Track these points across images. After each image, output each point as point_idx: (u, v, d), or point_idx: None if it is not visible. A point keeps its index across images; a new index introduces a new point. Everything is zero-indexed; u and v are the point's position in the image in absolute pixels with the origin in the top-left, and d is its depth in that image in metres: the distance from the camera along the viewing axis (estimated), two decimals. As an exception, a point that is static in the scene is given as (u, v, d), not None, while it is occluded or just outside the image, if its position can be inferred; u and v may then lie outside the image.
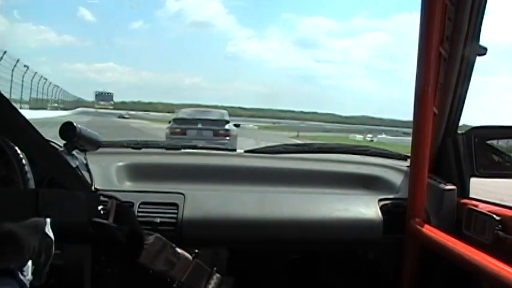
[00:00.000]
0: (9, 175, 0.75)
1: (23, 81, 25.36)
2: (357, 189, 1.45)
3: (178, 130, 9.44)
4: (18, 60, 23.28)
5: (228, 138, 9.22)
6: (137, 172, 1.40)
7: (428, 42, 1.17)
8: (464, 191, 1.27)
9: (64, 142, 1.11)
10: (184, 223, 1.21)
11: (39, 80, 30.28)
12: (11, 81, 22.77)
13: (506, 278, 0.86)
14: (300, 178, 1.47)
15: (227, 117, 10.02)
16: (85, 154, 1.23)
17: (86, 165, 1.22)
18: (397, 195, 1.37)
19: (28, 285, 0.69)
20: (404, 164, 1.53)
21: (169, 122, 10.24)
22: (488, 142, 1.29)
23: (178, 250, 1.10)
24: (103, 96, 65.22)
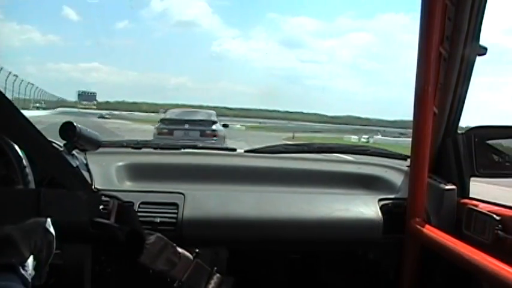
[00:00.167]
0: (9, 175, 0.75)
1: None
2: (357, 189, 1.45)
3: (165, 130, 9.49)
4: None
5: (215, 138, 9.24)
6: (137, 172, 1.40)
7: (428, 42, 1.17)
8: (464, 191, 1.27)
9: (64, 142, 1.11)
10: (184, 223, 1.21)
11: (15, 80, 30.16)
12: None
13: (506, 278, 0.86)
14: (300, 178, 1.47)
15: (214, 118, 10.06)
16: (85, 154, 1.23)
17: (86, 165, 1.22)
18: (397, 195, 1.37)
19: (30, 280, 0.69)
20: (404, 164, 1.53)
21: (158, 123, 10.32)
22: (488, 142, 1.29)
23: (179, 250, 1.10)
24: (86, 96, 63.82)
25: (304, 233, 1.28)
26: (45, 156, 0.76)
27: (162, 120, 10.10)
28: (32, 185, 0.76)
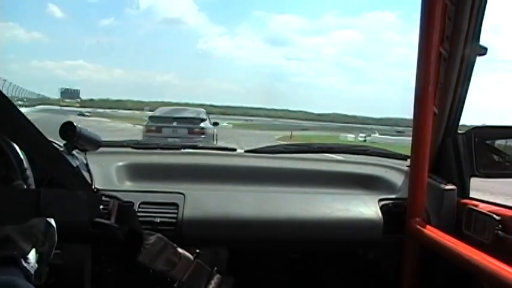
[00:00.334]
0: (9, 175, 0.75)
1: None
2: (357, 189, 1.45)
3: (153, 128, 9.55)
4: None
5: (203, 136, 9.28)
6: (137, 172, 1.40)
7: (428, 42, 1.17)
8: (464, 191, 1.27)
9: (64, 142, 1.11)
10: (184, 223, 1.21)
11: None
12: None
13: (506, 278, 0.86)
14: (300, 178, 1.47)
15: (203, 116, 10.12)
16: (85, 154, 1.23)
17: (86, 165, 1.22)
18: (397, 195, 1.37)
19: (32, 273, 0.69)
20: (404, 164, 1.53)
21: (146, 121, 10.37)
22: (488, 142, 1.29)
23: (180, 250, 1.10)
24: (69, 94, 61.59)
25: (304, 233, 1.28)
26: (45, 156, 0.76)
27: (151, 118, 10.19)
28: (32, 185, 0.76)
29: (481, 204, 1.16)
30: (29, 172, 0.77)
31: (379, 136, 23.79)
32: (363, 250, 1.47)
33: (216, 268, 1.17)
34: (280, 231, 1.27)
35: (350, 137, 21.39)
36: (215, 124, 10.80)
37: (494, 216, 1.07)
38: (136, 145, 1.58)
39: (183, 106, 12.97)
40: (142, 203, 1.22)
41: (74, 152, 1.13)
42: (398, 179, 1.45)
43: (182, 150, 1.63)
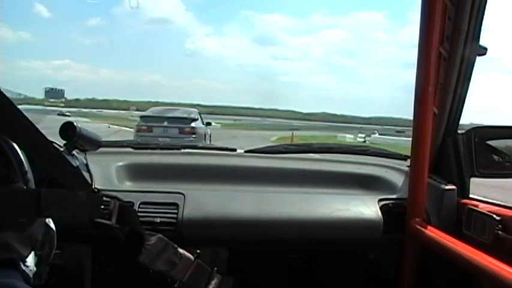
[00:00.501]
0: (9, 175, 0.75)
1: None
2: (357, 189, 1.45)
3: (144, 127, 9.52)
4: None
5: (194, 136, 9.23)
6: (137, 172, 1.40)
7: (428, 42, 1.17)
8: (464, 191, 1.27)
9: (64, 142, 1.11)
10: (185, 223, 1.21)
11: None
12: None
13: (506, 278, 0.86)
14: (300, 178, 1.47)
15: (195, 116, 10.10)
16: (85, 154, 1.23)
17: (86, 165, 1.22)
18: (397, 195, 1.37)
19: (31, 276, 0.69)
20: (405, 164, 1.53)
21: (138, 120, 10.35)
22: (488, 142, 1.29)
23: (180, 250, 1.10)
24: (53, 93, 59.83)
25: (304, 233, 1.28)
26: (45, 156, 0.76)
27: (142, 118, 10.18)
28: (32, 185, 0.76)
29: (481, 205, 1.17)
30: (29, 172, 0.77)
31: (379, 136, 23.65)
32: (363, 250, 1.47)
33: (216, 268, 1.17)
34: (280, 231, 1.27)
35: (349, 137, 21.24)
36: (208, 124, 10.79)
37: (494, 216, 1.07)
38: (136, 145, 1.59)
39: (174, 106, 12.93)
40: (142, 203, 1.22)
41: (74, 152, 1.13)
42: (398, 179, 1.45)
43: (182, 151, 1.63)
